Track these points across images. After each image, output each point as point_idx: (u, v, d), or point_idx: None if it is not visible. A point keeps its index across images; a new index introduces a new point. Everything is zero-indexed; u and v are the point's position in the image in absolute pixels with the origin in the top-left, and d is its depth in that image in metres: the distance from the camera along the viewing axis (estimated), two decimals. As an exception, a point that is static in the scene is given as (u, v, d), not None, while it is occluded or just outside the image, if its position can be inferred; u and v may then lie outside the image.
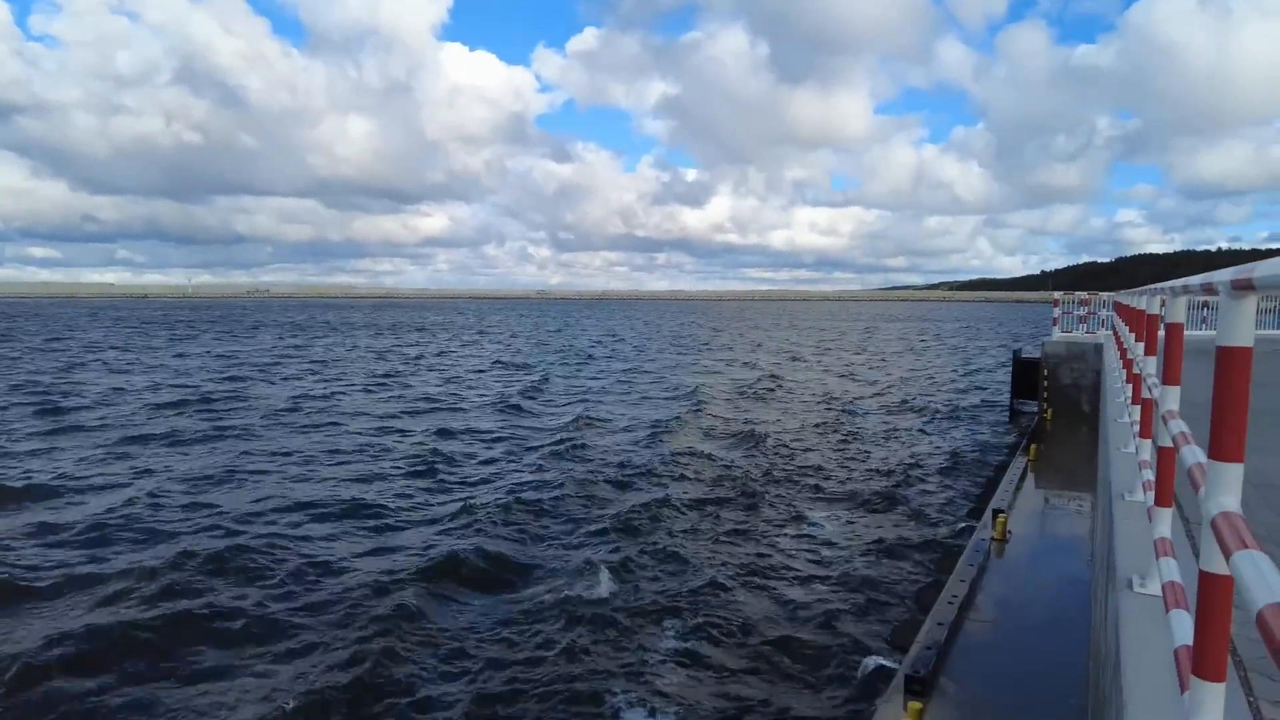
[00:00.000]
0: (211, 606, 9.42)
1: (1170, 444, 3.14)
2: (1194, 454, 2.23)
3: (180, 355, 46.55)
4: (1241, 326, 1.72)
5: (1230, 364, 1.74)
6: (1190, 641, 2.24)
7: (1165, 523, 3.21)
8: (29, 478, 15.53)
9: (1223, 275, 1.80)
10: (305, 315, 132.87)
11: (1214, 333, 1.89)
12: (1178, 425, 2.71)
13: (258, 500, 14.11)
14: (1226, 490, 1.76)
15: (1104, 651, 4.34)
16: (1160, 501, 3.24)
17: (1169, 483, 3.23)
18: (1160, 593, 3.17)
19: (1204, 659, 1.85)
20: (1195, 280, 2.45)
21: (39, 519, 12.80)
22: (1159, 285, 3.76)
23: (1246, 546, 1.44)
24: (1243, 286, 1.62)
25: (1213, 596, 1.82)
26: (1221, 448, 1.77)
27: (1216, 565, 1.79)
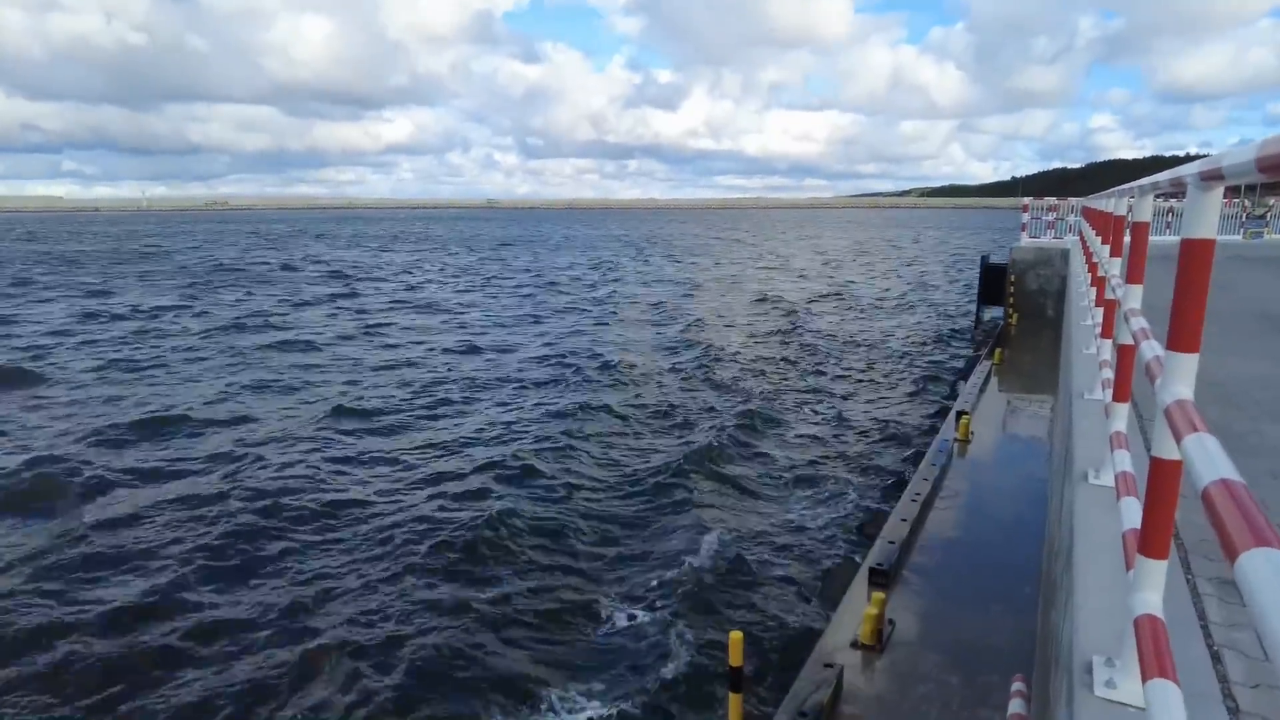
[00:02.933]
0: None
1: (1130, 341, 3.22)
2: (1152, 348, 2.29)
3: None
4: (1206, 219, 1.73)
5: (1193, 257, 1.77)
6: (1138, 524, 2.36)
7: (1121, 417, 3.31)
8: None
9: (1191, 168, 1.80)
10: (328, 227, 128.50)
11: (1177, 238, 1.91)
12: (1139, 321, 2.77)
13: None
14: (1181, 380, 1.81)
15: (1057, 541, 4.55)
16: (1118, 397, 3.34)
17: (1127, 379, 3.32)
18: (1113, 483, 3.31)
19: (1149, 538, 1.95)
20: (1164, 176, 2.46)
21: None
22: (1127, 186, 3.77)
23: (1197, 430, 1.49)
24: (1211, 177, 1.62)
25: (1162, 481, 1.90)
26: (1179, 339, 1.81)
27: (1167, 451, 1.87)
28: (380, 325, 25.09)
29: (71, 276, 41.68)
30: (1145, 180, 2.98)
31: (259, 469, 11.30)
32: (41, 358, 19.36)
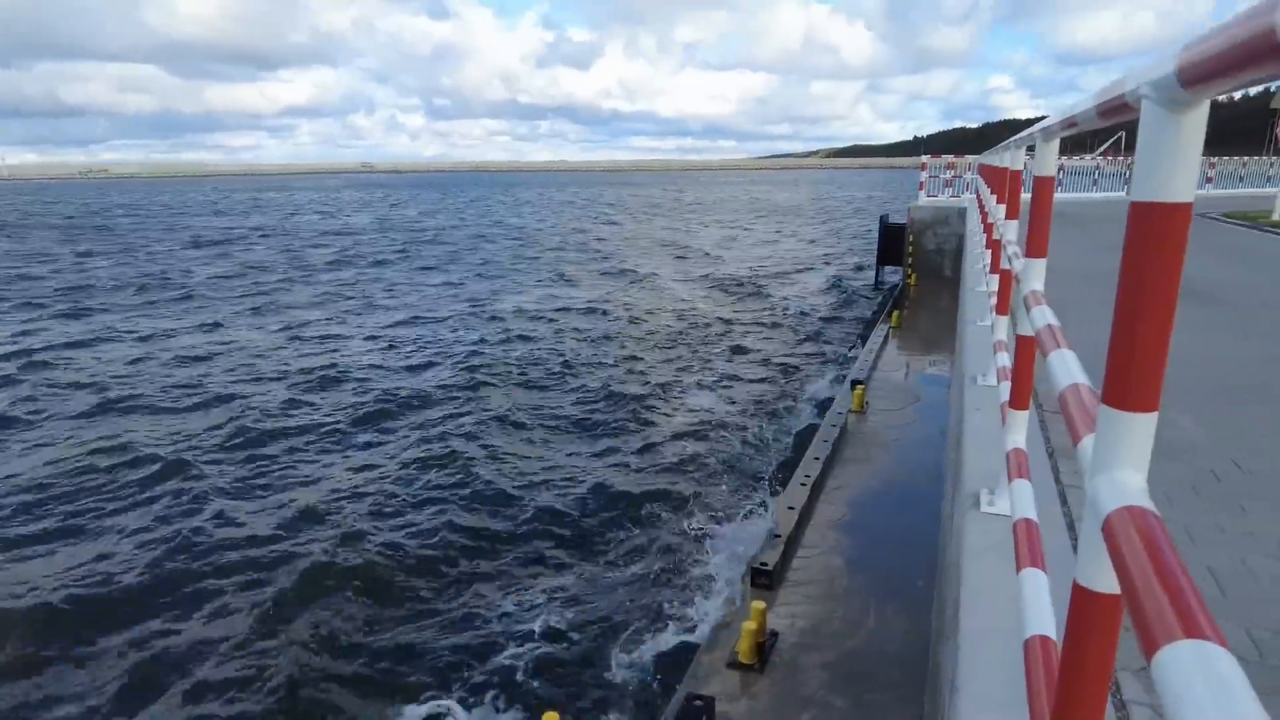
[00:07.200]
0: None
1: (1032, 333, 2.47)
2: (1067, 368, 1.49)
3: None
4: (1182, 154, 0.91)
5: (1157, 227, 0.94)
6: (1049, 632, 1.58)
7: (1021, 428, 2.57)
8: None
9: (1146, 67, 0.96)
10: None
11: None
12: (1044, 315, 1.99)
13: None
14: (1127, 459, 1.00)
15: (949, 555, 3.88)
16: (1017, 403, 2.59)
17: (1028, 380, 2.58)
18: (1009, 512, 2.58)
19: (1071, 701, 1.15)
20: (1083, 103, 1.64)
21: None
22: (1027, 132, 3.01)
23: (1195, 634, 0.67)
24: (1195, 79, 0.78)
25: (1091, 626, 1.08)
26: (1126, 388, 0.99)
27: (1103, 582, 1.06)
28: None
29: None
30: (1051, 120, 2.18)
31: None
32: None
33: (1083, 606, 1.08)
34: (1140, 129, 0.95)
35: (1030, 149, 3.95)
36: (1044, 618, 1.60)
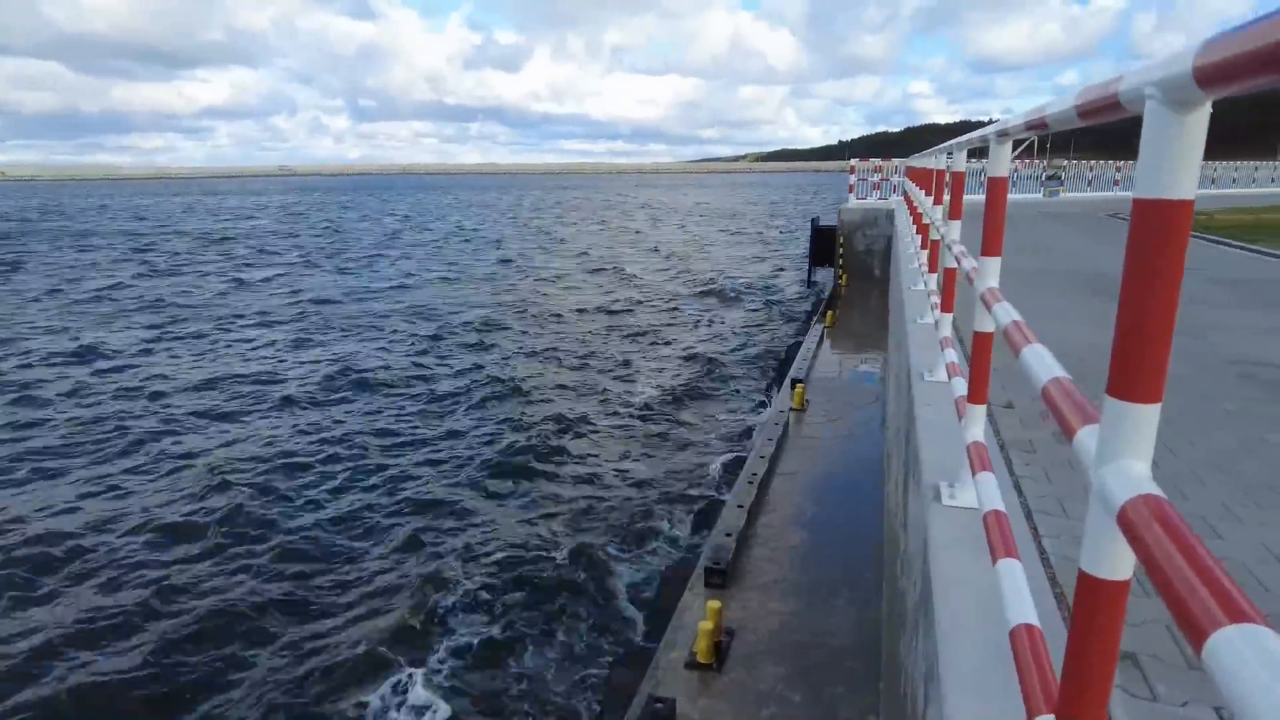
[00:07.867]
0: None
1: (990, 328, 2.54)
2: (1044, 363, 1.53)
3: None
4: (1186, 153, 0.94)
5: (1160, 224, 0.97)
6: (1034, 621, 1.62)
7: (979, 423, 2.65)
8: None
9: (1151, 67, 0.99)
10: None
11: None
12: (1007, 312, 2.04)
13: None
14: (1135, 449, 1.03)
15: (904, 546, 3.96)
16: (975, 396, 2.66)
17: (984, 375, 2.65)
18: (975, 504, 2.65)
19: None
20: (1057, 104, 1.68)
21: None
22: (981, 132, 3.09)
23: (1239, 617, 0.69)
24: (1213, 79, 0.81)
25: (1095, 623, 1.11)
26: (1132, 379, 1.02)
27: (1117, 569, 1.08)
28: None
29: None
30: (1021, 113, 2.24)
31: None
32: None
33: (1090, 593, 1.11)
34: (1144, 128, 0.98)
35: (972, 153, 4.08)
36: (1027, 607, 1.64)
